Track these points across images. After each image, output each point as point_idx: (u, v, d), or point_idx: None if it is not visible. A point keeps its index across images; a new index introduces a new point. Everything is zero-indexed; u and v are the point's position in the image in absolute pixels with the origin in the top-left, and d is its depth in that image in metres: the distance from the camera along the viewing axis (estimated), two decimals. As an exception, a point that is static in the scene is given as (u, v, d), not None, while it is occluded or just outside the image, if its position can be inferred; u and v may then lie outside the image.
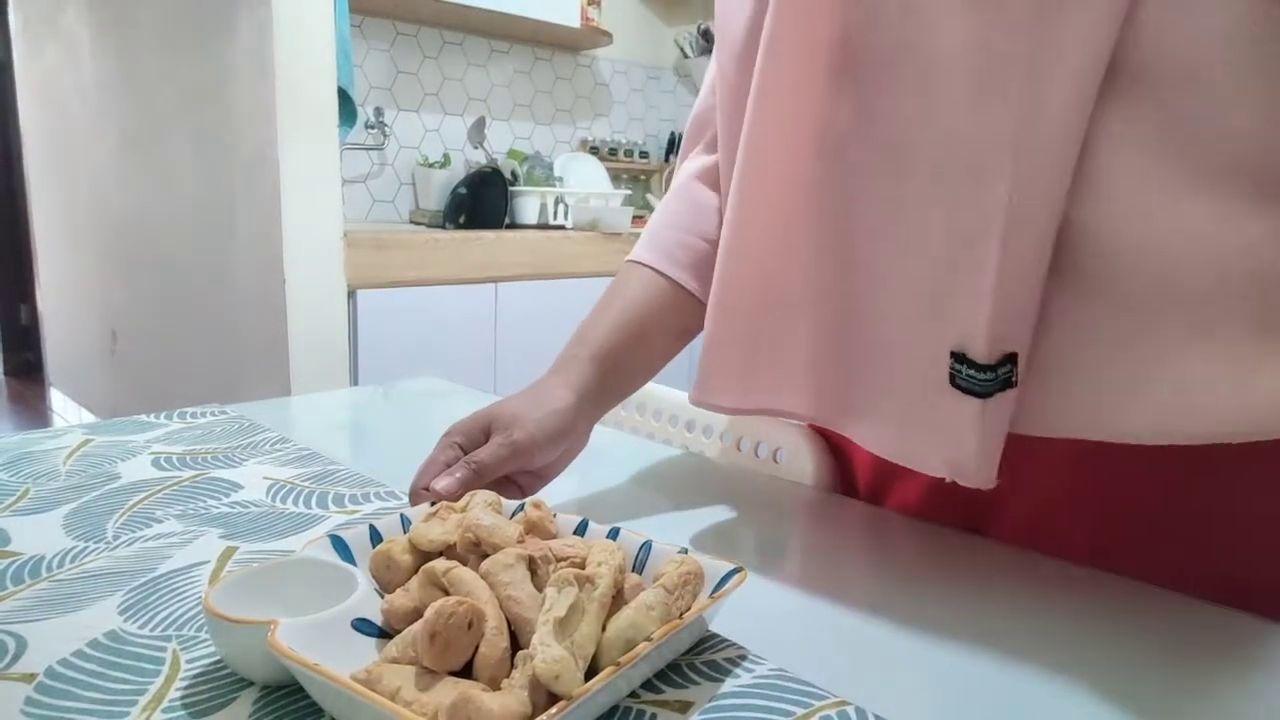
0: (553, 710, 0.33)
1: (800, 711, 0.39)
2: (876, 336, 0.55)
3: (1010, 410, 0.50)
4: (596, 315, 0.69)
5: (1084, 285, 0.49)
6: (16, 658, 0.42)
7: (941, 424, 0.52)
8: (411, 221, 2.69)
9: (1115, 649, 0.46)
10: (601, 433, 0.88)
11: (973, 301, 0.49)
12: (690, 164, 0.74)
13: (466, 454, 0.58)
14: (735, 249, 0.61)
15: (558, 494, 0.69)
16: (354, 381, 2.02)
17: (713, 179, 0.72)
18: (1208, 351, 0.47)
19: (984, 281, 0.48)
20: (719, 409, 0.64)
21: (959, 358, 0.50)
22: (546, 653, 0.34)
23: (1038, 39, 0.45)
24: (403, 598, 0.42)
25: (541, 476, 0.63)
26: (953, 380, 0.51)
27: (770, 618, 0.48)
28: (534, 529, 0.48)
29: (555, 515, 0.51)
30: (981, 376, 0.50)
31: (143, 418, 0.85)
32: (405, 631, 0.38)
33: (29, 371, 4.57)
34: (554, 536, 0.49)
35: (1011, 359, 0.49)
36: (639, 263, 0.71)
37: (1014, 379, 0.49)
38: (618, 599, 0.41)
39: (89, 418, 3.48)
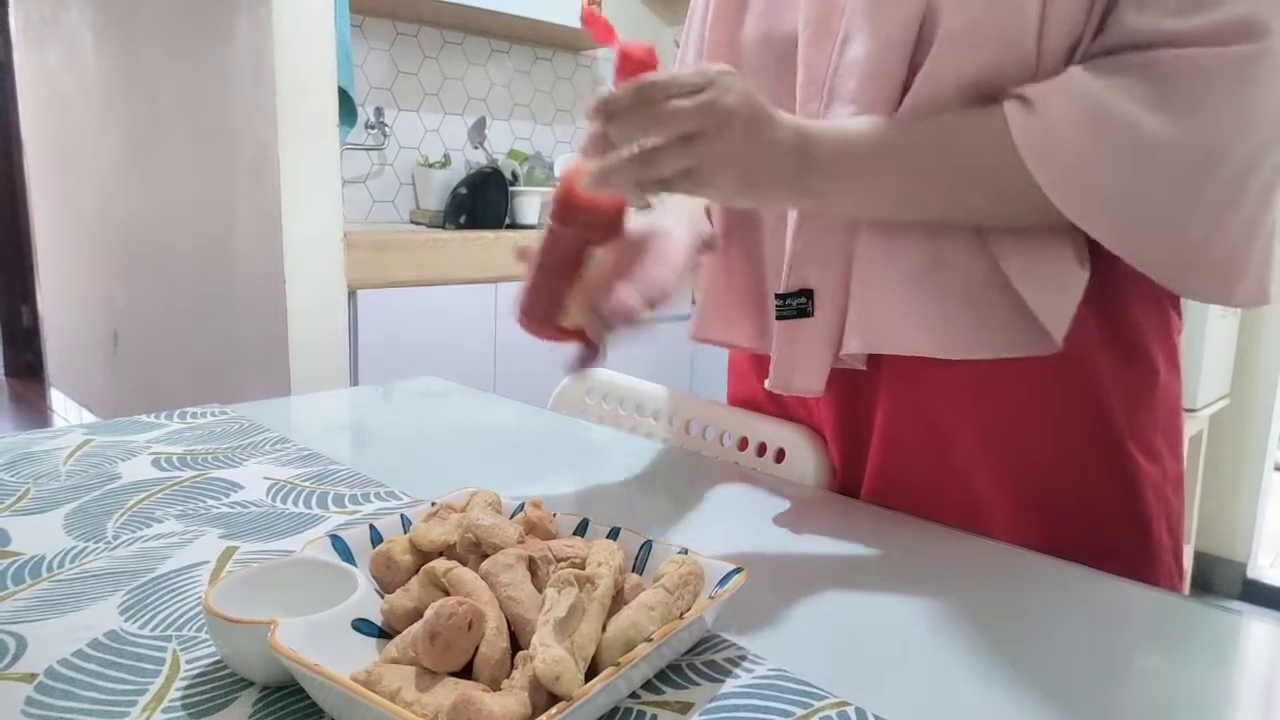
0: (553, 711, 0.33)
1: (800, 711, 0.39)
2: (767, 274, 0.71)
3: (820, 337, 0.64)
4: None
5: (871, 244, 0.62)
6: (16, 658, 0.42)
7: (776, 346, 0.66)
8: (411, 222, 2.68)
9: (1118, 650, 0.46)
10: (602, 432, 0.88)
11: (783, 247, 0.66)
12: None
13: None
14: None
15: (558, 494, 0.69)
16: (354, 381, 2.02)
17: None
18: (946, 284, 0.60)
19: (787, 231, 0.65)
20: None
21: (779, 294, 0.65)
22: (546, 653, 0.34)
23: None
24: (403, 598, 0.42)
25: None
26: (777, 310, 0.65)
27: (770, 618, 0.48)
28: (534, 529, 0.48)
29: (555, 515, 0.51)
30: (780, 304, 0.65)
31: (143, 418, 0.85)
32: (405, 632, 0.38)
33: (30, 372, 4.57)
34: (554, 536, 0.49)
35: (807, 293, 0.64)
36: None
37: (809, 310, 0.64)
38: (618, 599, 0.41)
39: (89, 418, 3.48)
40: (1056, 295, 0.57)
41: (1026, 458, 0.63)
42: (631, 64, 0.56)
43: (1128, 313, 0.62)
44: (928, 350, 0.60)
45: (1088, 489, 0.63)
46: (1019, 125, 0.53)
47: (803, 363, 0.65)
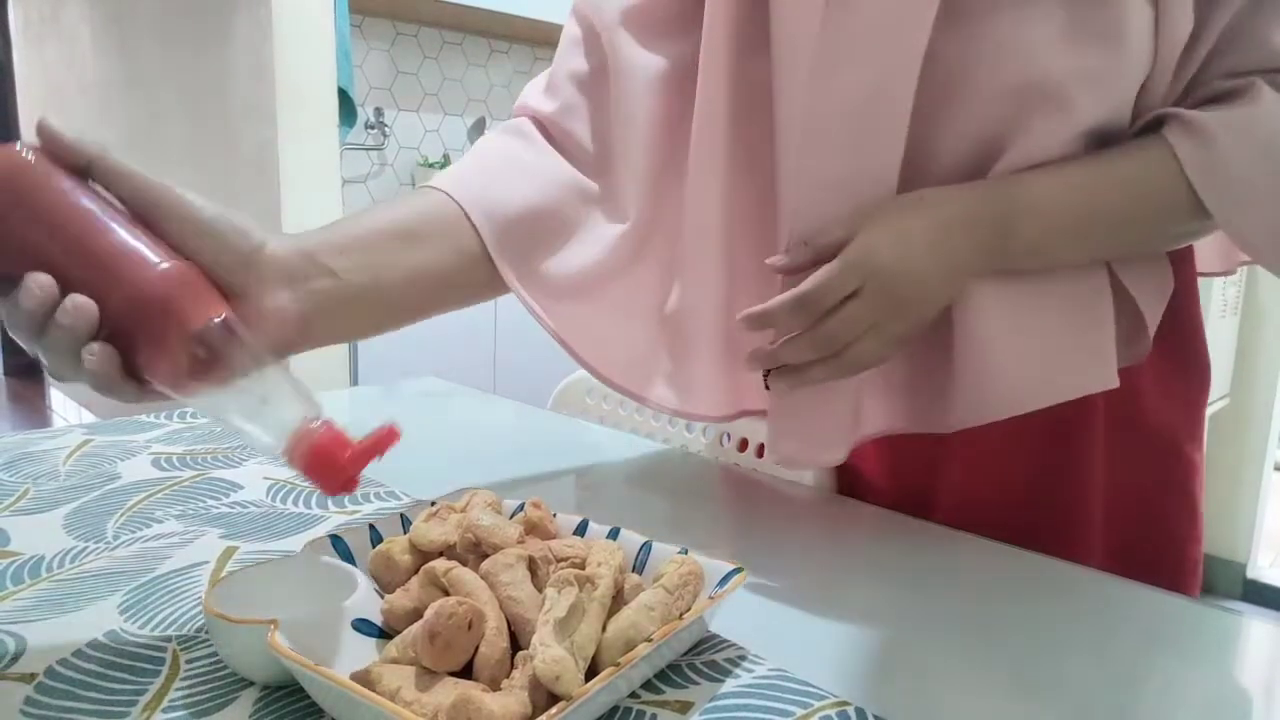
0: (553, 710, 0.33)
1: (800, 711, 0.39)
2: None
3: (837, 403, 0.58)
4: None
5: None
6: (16, 658, 0.42)
7: (771, 417, 0.60)
8: (411, 221, 2.68)
9: (1118, 649, 0.46)
10: (601, 433, 0.88)
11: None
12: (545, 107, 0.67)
13: None
14: (703, 276, 0.64)
15: (558, 494, 0.69)
16: (354, 381, 2.02)
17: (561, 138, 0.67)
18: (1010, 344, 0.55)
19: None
20: (709, 419, 0.68)
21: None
22: (546, 653, 0.34)
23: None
24: (403, 598, 0.42)
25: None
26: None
27: (770, 618, 0.48)
28: (534, 529, 0.48)
29: (555, 515, 0.51)
30: (767, 376, 0.58)
31: (143, 418, 0.85)
32: (405, 631, 0.38)
33: (29, 371, 4.57)
34: (554, 536, 0.49)
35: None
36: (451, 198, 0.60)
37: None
38: (618, 599, 0.41)
39: (89, 418, 3.48)
40: (1157, 297, 0.57)
41: (1102, 472, 0.62)
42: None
43: (1187, 309, 0.62)
44: (1034, 403, 0.55)
45: (1153, 497, 0.63)
46: (1192, 162, 0.51)
47: (815, 434, 0.59)
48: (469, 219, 0.59)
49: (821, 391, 0.58)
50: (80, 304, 0.39)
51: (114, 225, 0.41)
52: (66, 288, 0.39)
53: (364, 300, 0.53)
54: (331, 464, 0.40)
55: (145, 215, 0.42)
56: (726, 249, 0.63)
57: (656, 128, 0.64)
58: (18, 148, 0.41)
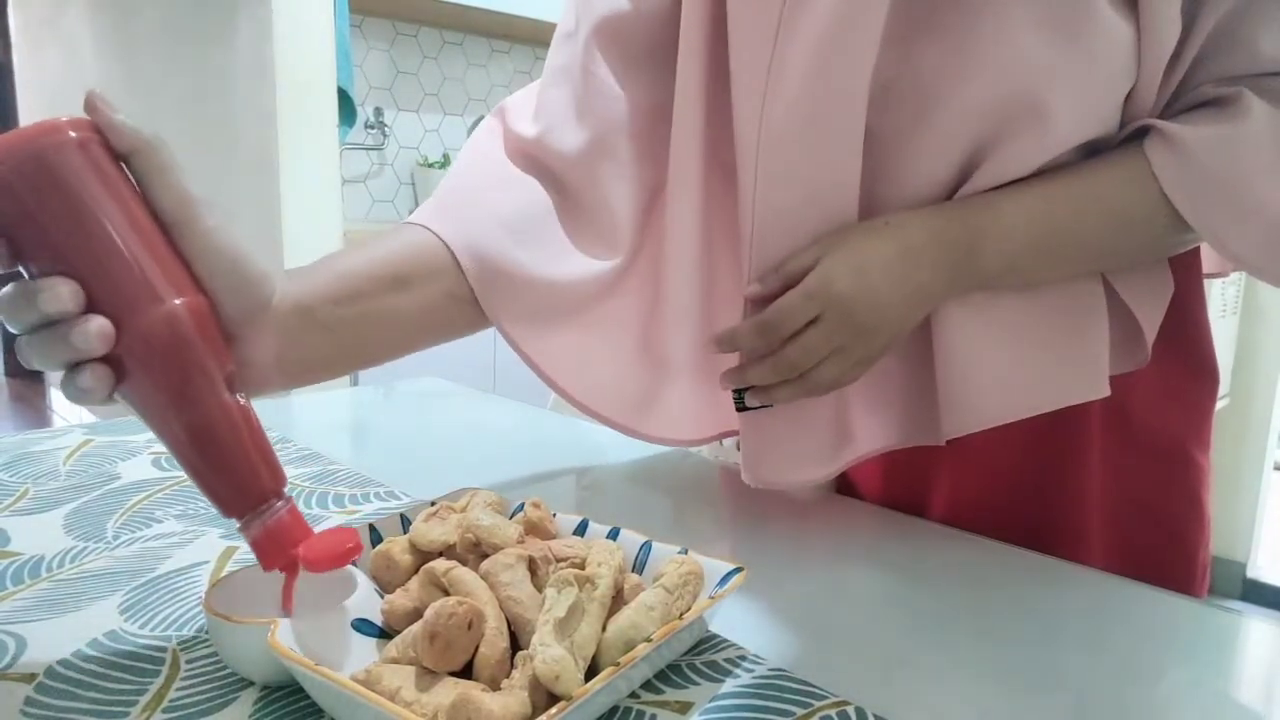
0: (553, 710, 0.33)
1: (800, 711, 0.39)
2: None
3: (816, 423, 0.59)
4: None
5: None
6: (16, 658, 0.42)
7: (744, 437, 0.62)
8: (411, 222, 2.68)
9: (1117, 649, 0.46)
10: (602, 433, 0.88)
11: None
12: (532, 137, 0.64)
13: None
14: (681, 297, 0.64)
15: (558, 494, 0.69)
16: (354, 381, 2.01)
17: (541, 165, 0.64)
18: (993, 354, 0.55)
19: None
20: (681, 443, 0.68)
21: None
22: (546, 653, 0.34)
23: None
24: (403, 598, 0.42)
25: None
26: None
27: (770, 618, 0.48)
28: (534, 529, 0.48)
29: (555, 515, 0.51)
30: (736, 396, 0.59)
31: (143, 418, 0.85)
32: (405, 631, 0.38)
33: (29, 371, 4.57)
34: (554, 536, 0.49)
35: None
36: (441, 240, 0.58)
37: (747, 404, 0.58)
38: (618, 599, 0.41)
39: (89, 418, 3.48)
40: (1155, 304, 0.56)
41: (1099, 477, 0.62)
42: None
43: (1193, 313, 0.62)
44: (1016, 413, 0.55)
45: (1157, 501, 0.63)
46: (1172, 180, 0.51)
47: (788, 454, 0.60)
48: (456, 261, 0.58)
49: (793, 411, 0.59)
50: (103, 331, 0.36)
51: (142, 240, 0.38)
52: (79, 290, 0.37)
53: (350, 354, 0.54)
54: (280, 551, 0.40)
55: (167, 227, 0.40)
56: (704, 270, 0.63)
57: (638, 158, 0.64)
58: (65, 124, 0.37)
